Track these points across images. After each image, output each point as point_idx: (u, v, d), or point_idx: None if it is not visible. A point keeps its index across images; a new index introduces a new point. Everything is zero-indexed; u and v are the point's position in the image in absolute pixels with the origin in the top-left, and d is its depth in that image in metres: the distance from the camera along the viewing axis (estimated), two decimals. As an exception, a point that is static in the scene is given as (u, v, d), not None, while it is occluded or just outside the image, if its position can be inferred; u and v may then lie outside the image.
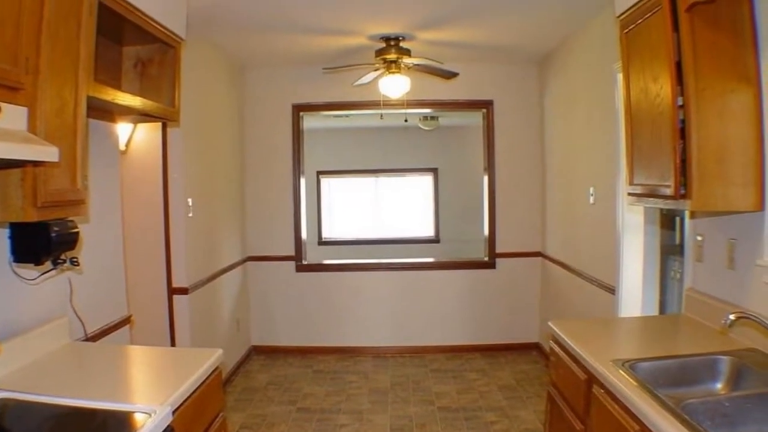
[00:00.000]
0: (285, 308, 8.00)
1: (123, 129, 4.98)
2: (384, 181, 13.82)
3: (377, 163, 13.39)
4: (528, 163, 7.88)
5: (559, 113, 7.04)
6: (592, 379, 2.91)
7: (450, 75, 6.70)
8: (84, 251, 3.51)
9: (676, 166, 2.93)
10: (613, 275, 5.30)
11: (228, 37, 6.30)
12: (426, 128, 12.07)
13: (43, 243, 2.83)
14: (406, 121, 10.07)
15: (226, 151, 7.19)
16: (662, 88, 3.06)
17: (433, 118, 11.56)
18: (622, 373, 2.65)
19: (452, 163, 13.09)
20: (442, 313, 7.99)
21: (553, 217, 7.34)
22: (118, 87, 3.66)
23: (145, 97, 3.56)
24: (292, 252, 8.00)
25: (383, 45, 6.31)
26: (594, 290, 5.78)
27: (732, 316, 2.65)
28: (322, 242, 13.44)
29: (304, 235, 8.09)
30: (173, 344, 5.64)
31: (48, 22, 2.37)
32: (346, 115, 9.72)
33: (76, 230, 3.02)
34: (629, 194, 3.61)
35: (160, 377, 2.96)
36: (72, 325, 3.43)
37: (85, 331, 3.60)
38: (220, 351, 3.14)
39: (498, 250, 7.96)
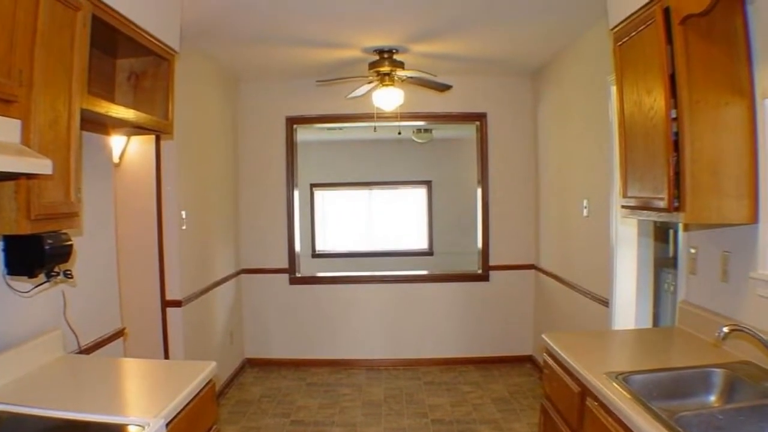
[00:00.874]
0: (278, 321, 7.99)
1: (117, 141, 4.99)
2: (377, 193, 13.80)
3: (371, 175, 13.38)
4: (522, 176, 7.89)
5: (552, 126, 7.06)
6: (585, 392, 2.91)
7: (443, 87, 6.71)
8: (77, 264, 3.51)
9: (669, 179, 2.94)
10: (606, 288, 5.31)
11: (222, 49, 6.31)
12: (419, 141, 12.09)
13: (36, 256, 2.83)
14: (399, 133, 10.09)
15: (220, 164, 7.18)
16: (656, 100, 3.07)
17: (426, 130, 11.59)
18: (616, 385, 2.65)
19: (446, 176, 13.09)
20: (435, 325, 7.98)
21: (547, 229, 7.35)
22: (111, 99, 3.67)
23: (138, 110, 3.56)
24: (285, 264, 7.99)
25: (377, 57, 6.32)
26: (587, 303, 5.78)
27: (725, 329, 2.65)
28: (315, 255, 13.39)
29: (297, 247, 8.09)
30: (167, 357, 5.63)
31: (42, 35, 2.38)
32: (340, 128, 9.74)
33: (69, 243, 3.01)
34: (623, 207, 3.62)
35: (153, 390, 2.95)
36: (65, 338, 3.42)
37: (78, 343, 3.59)
38: (213, 363, 3.13)
39: (492, 263, 7.96)
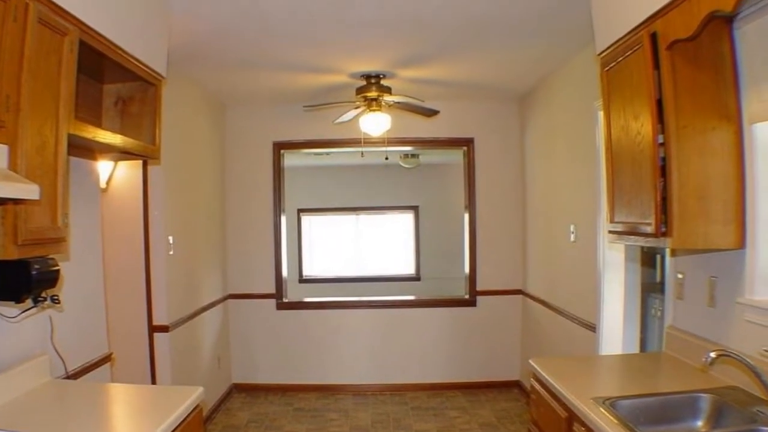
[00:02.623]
0: (266, 346, 7.95)
1: (104, 167, 4.97)
2: (365, 218, 13.83)
3: (358, 200, 13.42)
4: (509, 201, 7.91)
5: (540, 151, 7.08)
6: (572, 417, 2.90)
7: (431, 113, 6.73)
8: (65, 289, 3.49)
9: (656, 204, 2.95)
10: (593, 313, 5.31)
11: (209, 74, 6.32)
12: (407, 166, 12.12)
13: (23, 281, 2.80)
14: (386, 159, 10.13)
15: (207, 189, 7.18)
16: (643, 125, 3.09)
17: (413, 155, 11.62)
18: (603, 410, 2.65)
19: (433, 201, 13.13)
20: (422, 350, 7.96)
21: (534, 254, 7.36)
22: (98, 125, 3.66)
23: (125, 135, 3.56)
24: (272, 290, 7.97)
25: (364, 83, 6.33)
26: (575, 328, 5.78)
27: (713, 354, 2.66)
28: (302, 280, 13.41)
29: (284, 272, 8.07)
30: (154, 382, 5.59)
31: (29, 60, 2.38)
32: (327, 153, 9.74)
33: (56, 268, 2.99)
34: (610, 232, 3.63)
35: (140, 415, 2.93)
36: (52, 363, 3.40)
37: (65, 368, 3.56)
38: (200, 389, 3.12)
39: (479, 288, 7.96)
